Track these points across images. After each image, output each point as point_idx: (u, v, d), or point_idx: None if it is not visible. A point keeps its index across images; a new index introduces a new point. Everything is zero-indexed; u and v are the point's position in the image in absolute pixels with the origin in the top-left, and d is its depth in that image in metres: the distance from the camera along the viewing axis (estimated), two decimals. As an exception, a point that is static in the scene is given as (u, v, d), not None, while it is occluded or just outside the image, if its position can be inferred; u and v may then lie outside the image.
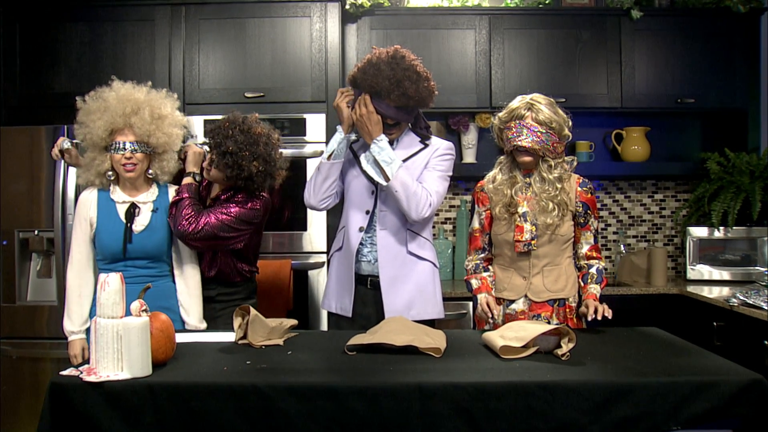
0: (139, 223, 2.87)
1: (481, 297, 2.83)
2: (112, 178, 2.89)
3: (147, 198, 2.92)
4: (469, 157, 4.62)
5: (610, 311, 2.65)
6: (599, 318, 2.63)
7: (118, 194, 2.90)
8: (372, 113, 2.82)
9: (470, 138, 4.59)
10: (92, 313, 2.79)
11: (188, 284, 2.96)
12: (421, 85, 2.82)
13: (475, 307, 2.90)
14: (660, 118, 4.70)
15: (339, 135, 2.93)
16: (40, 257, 3.91)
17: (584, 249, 2.87)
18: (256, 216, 2.97)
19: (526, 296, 2.83)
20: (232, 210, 2.90)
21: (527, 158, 2.77)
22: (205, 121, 3.92)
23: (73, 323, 2.86)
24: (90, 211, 2.89)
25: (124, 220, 2.85)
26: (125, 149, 2.80)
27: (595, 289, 2.80)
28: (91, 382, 1.95)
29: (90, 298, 2.86)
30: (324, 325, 3.84)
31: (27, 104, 4.11)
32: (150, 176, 2.92)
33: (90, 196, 2.91)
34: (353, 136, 2.96)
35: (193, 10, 4.07)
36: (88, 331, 2.81)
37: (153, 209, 2.91)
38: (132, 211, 2.87)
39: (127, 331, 2.01)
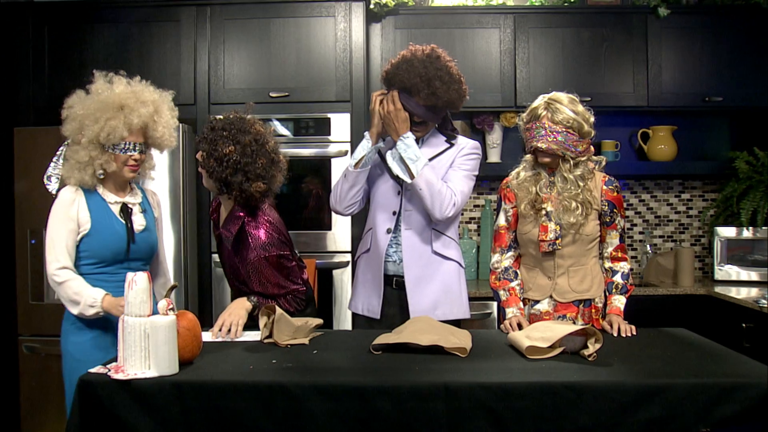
0: (138, 223, 2.78)
1: (510, 315, 2.76)
2: (102, 177, 2.73)
3: (135, 199, 2.83)
4: (494, 156, 4.60)
5: (635, 329, 2.63)
6: (623, 336, 2.60)
7: (108, 195, 2.75)
8: (399, 110, 2.81)
9: (495, 137, 4.58)
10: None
11: (163, 285, 2.94)
12: (452, 86, 2.81)
13: (499, 311, 2.86)
14: (687, 116, 4.65)
15: (367, 143, 2.89)
16: (67, 256, 3.94)
17: (610, 249, 2.84)
18: (278, 228, 2.80)
19: (551, 297, 2.80)
20: (261, 235, 2.73)
21: (546, 159, 2.74)
22: (230, 121, 3.94)
23: (97, 291, 2.60)
24: (78, 211, 2.69)
25: (123, 220, 2.75)
26: (135, 150, 2.70)
27: (619, 301, 2.77)
28: (118, 380, 1.97)
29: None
30: (348, 325, 3.84)
31: (55, 105, 4.05)
32: (138, 175, 2.83)
33: (75, 196, 2.70)
34: (381, 144, 2.95)
35: (218, 10, 4.10)
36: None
37: (142, 210, 2.83)
38: (127, 211, 2.77)
39: (154, 330, 2.03)
